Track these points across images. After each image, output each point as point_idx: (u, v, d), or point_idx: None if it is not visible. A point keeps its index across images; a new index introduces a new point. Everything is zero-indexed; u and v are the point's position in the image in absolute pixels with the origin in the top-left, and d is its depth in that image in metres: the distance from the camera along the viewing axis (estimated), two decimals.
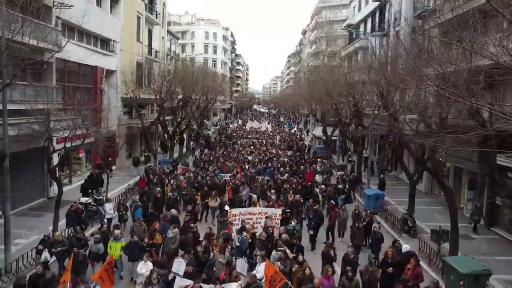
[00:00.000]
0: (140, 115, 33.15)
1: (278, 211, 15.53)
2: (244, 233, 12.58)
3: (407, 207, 18.63)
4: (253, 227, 13.62)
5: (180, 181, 20.65)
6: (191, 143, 43.34)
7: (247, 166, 26.79)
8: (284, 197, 18.33)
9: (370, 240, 14.73)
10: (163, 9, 41.01)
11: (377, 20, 38.08)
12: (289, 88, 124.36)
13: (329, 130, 38.10)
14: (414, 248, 14.44)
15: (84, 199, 17.40)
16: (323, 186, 19.78)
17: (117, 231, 12.48)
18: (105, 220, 16.66)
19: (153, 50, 36.75)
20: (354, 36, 47.28)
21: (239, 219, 15.19)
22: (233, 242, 12.51)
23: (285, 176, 21.70)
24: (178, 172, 23.44)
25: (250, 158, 30.29)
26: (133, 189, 22.06)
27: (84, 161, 26.95)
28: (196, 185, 19.87)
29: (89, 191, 20.23)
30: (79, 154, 25.38)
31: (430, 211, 20.84)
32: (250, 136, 47.18)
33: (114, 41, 28.80)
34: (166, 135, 32.86)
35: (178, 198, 19.22)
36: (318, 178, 24.03)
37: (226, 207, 16.52)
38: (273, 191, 18.45)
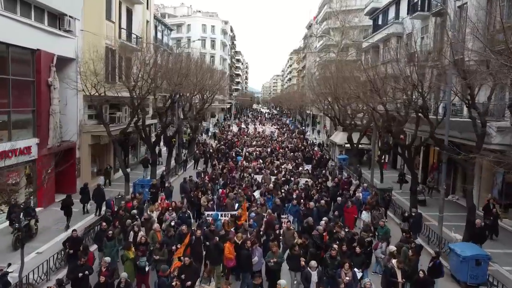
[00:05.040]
0: (113, 119, 25.15)
1: None
2: None
3: None
4: None
5: (155, 233, 12.60)
6: (183, 151, 35.20)
7: (256, 195, 18.73)
8: (330, 269, 10.34)
9: None
10: None
11: None
12: (292, 86, 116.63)
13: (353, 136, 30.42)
14: None
15: None
16: (392, 247, 11.54)
17: None
18: None
19: (133, 36, 28.66)
20: (380, 23, 39.34)
21: None
22: None
23: (323, 222, 13.46)
24: (153, 212, 15.10)
25: (259, 178, 22.16)
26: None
27: (24, 185, 18.77)
28: (178, 245, 11.75)
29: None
30: (7, 180, 17.23)
31: None
32: (255, 143, 38.88)
33: (71, 17, 20.68)
34: (146, 145, 24.89)
35: (147, 268, 11.19)
36: (365, 217, 16.00)
37: None
38: (313, 262, 10.30)
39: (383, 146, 26.56)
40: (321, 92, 36.00)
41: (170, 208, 14.64)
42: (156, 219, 14.61)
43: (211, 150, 33.49)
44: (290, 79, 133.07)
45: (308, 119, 76.08)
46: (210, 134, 52.94)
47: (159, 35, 48.04)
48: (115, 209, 15.96)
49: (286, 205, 16.52)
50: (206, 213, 15.42)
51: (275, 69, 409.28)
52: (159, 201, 16.89)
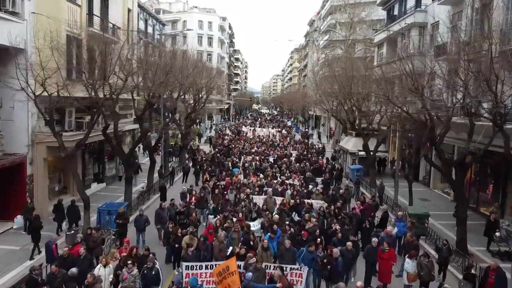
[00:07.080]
0: (80, 125, 20.50)
1: None
2: None
3: None
4: None
5: None
6: (171, 161, 30.54)
7: (256, 226, 14.12)
8: None
9: None
10: None
11: None
12: (293, 86, 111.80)
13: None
14: None
15: None
16: None
17: None
18: None
19: (110, 26, 23.90)
20: (396, 13, 34.67)
21: None
22: None
23: (359, 284, 8.73)
24: (106, 265, 10.22)
25: (259, 201, 17.40)
26: None
27: None
28: None
29: None
30: None
31: None
32: (254, 149, 33.97)
33: None
34: (119, 157, 20.15)
35: None
36: (411, 267, 11.32)
37: None
38: None
39: (411, 157, 21.89)
40: (331, 90, 31.30)
41: (129, 263, 9.85)
42: (111, 278, 9.91)
43: (203, 159, 28.73)
44: (290, 79, 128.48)
45: (311, 120, 71.34)
46: (205, 138, 48.11)
47: (150, 30, 43.45)
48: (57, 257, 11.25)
49: (300, 251, 11.76)
50: (185, 265, 10.67)
51: (275, 69, 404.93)
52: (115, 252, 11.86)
